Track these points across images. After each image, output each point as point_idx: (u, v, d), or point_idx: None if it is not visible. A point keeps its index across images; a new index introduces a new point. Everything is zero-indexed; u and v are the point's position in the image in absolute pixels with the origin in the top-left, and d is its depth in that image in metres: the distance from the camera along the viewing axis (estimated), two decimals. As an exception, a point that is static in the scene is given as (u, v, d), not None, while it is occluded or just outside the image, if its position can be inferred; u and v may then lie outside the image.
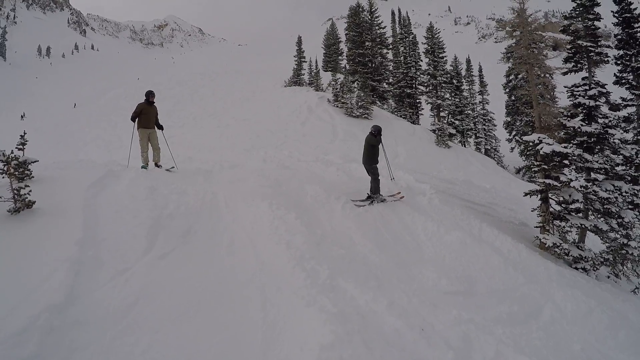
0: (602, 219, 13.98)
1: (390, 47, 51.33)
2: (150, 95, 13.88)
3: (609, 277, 14.75)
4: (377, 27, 49.30)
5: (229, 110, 36.37)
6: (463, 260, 9.90)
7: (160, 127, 14.26)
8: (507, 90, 38.54)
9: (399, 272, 8.89)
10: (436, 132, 33.33)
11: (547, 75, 15.41)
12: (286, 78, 49.45)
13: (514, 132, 39.18)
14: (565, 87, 14.88)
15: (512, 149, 40.24)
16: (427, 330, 6.92)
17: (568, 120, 13.89)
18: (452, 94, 43.10)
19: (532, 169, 13.93)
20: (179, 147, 20.61)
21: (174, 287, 7.10)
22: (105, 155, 23.76)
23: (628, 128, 17.41)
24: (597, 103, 13.92)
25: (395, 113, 42.54)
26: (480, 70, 48.91)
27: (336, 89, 36.99)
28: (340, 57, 60.85)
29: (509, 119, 40.24)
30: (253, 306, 6.83)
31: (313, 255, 8.50)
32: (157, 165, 14.06)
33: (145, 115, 13.76)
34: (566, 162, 13.29)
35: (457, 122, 41.71)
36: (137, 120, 13.71)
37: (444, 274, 9.21)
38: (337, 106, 35.62)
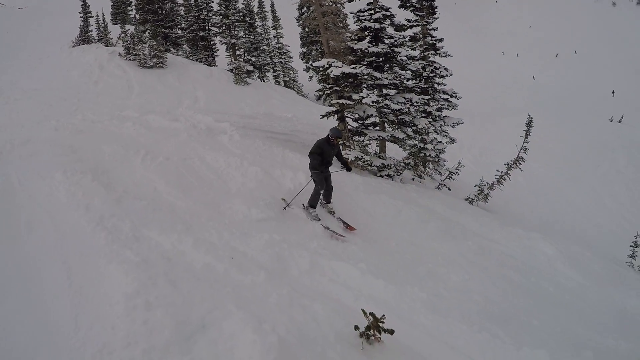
0: (398, 129, 15.05)
1: (180, -10, 49.21)
2: None
3: (413, 179, 16.09)
4: (163, -29, 46.79)
5: (16, 82, 32.70)
6: (270, 188, 10.13)
7: None
8: (300, 22, 39.53)
9: (208, 212, 8.86)
10: (234, 71, 33.19)
11: (338, 4, 15.93)
12: (73, 38, 45.38)
13: (310, 62, 40.44)
14: (351, 12, 15.52)
15: (310, 77, 41.42)
16: (237, 258, 7.02)
17: (355, 44, 14.53)
18: (246, 32, 43.00)
19: (326, 92, 14.55)
20: (-37, 133, 18.39)
21: (-27, 278, 6.47)
22: None
23: (415, 46, 18.61)
24: (383, 25, 14.71)
25: (191, 58, 41.37)
26: (272, 6, 49.21)
27: (127, 41, 35.08)
28: (129, 8, 56.57)
29: (304, 49, 41.45)
30: (59, 276, 6.43)
31: (114, 212, 8.16)
32: None
33: None
34: (357, 81, 14.00)
35: (253, 59, 41.87)
36: None
37: (253, 204, 9.36)
38: (130, 59, 33.78)
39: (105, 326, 5.20)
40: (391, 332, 5.33)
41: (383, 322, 5.34)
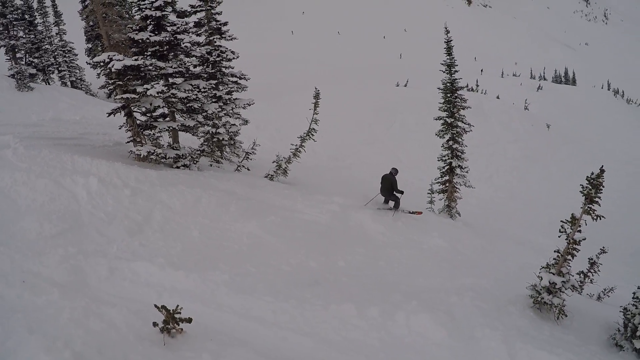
0: (188, 117, 15.09)
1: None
2: None
3: (211, 165, 16.31)
4: None
5: None
6: (62, 198, 9.70)
7: None
8: (85, 16, 36.81)
9: (-2, 238, 8.26)
10: (15, 76, 30.47)
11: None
12: None
13: (91, 58, 38.02)
14: (131, 1, 15.03)
15: (99, 75, 38.93)
16: (30, 280, 6.80)
17: (137, 34, 14.16)
18: (26, 31, 39.23)
19: (109, 88, 14.08)
20: None
21: None
22: None
23: (200, 32, 18.48)
24: (164, 13, 14.43)
25: (-33, 68, 37.13)
26: (53, 0, 45.22)
27: None
28: None
29: (90, 45, 38.67)
30: None
31: None
32: None
33: None
34: (142, 73, 13.72)
35: (36, 61, 38.43)
36: None
37: (45, 219, 8.93)
38: None
39: None
40: (189, 320, 5.60)
41: (179, 313, 5.58)
